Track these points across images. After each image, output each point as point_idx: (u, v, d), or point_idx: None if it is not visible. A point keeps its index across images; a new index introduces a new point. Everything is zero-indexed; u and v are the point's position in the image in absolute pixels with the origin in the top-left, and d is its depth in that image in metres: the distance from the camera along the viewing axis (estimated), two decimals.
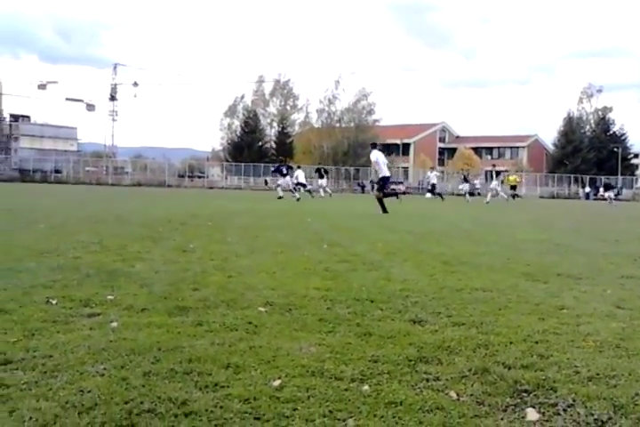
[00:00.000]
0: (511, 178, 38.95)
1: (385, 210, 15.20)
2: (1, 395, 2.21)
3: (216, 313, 3.53)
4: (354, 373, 2.55)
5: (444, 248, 7.45)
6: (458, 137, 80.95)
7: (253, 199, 24.65)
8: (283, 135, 70.73)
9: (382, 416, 2.12)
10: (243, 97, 72.52)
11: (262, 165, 59.68)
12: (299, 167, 31.63)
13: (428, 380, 2.51)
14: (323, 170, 35.06)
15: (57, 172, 61.78)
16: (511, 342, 3.08)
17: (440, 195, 34.39)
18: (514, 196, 36.38)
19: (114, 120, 73.60)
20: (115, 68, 73.38)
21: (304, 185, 29.80)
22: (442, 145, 79.40)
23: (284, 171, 27.30)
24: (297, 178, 29.27)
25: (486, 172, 39.35)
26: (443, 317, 3.63)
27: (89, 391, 2.25)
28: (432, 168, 42.20)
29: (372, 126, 67.88)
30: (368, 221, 12.52)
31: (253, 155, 65.06)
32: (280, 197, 25.02)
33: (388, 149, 69.75)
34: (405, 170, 67.57)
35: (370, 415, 2.12)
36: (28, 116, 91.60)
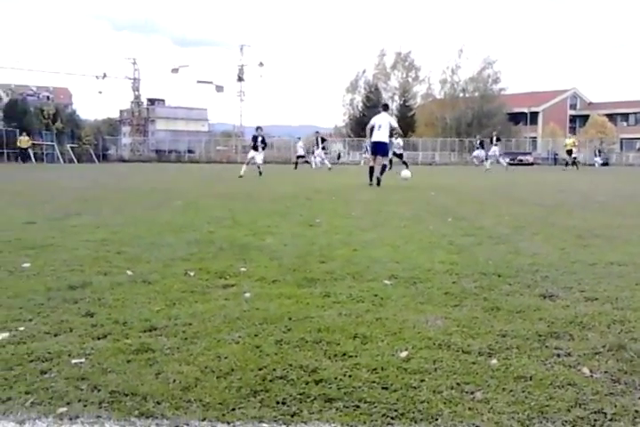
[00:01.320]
0: (568, 142, 35.37)
1: (371, 180, 13.96)
2: (148, 358, 2.40)
3: (342, 285, 3.61)
4: (481, 347, 2.53)
5: (576, 221, 7.11)
6: (590, 103, 76.07)
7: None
8: (405, 108, 69.82)
9: (511, 390, 2.09)
10: (364, 71, 72.25)
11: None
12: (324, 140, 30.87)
13: (559, 355, 2.44)
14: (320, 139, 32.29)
15: (190, 152, 64.96)
16: None
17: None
18: (573, 162, 33.58)
19: (241, 100, 75.88)
20: (241, 49, 75.36)
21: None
22: (573, 113, 74.99)
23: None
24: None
25: (621, 140, 35.82)
26: (575, 292, 3.49)
27: (225, 358, 2.39)
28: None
29: (497, 95, 65.53)
30: (495, 194, 12.17)
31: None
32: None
33: (515, 119, 67.12)
34: (534, 140, 64.62)
35: (498, 389, 2.10)
36: (162, 100, 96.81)
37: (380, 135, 14.49)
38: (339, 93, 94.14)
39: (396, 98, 71.79)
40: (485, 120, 62.37)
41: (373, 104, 69.05)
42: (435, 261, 4.42)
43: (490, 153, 30.06)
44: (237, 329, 2.74)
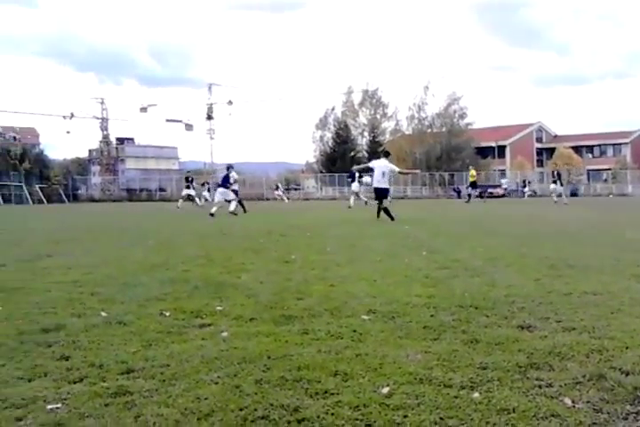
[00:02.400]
0: (472, 173, 35.63)
1: (392, 217, 13.92)
2: (126, 402, 2.35)
3: (321, 321, 3.60)
4: (463, 380, 2.53)
5: (548, 251, 7.20)
6: (556, 136, 77.88)
7: (352, 210, 24.75)
8: (374, 144, 70.69)
9: (495, 424, 2.09)
10: (333, 109, 73.25)
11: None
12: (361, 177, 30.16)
13: (540, 386, 2.45)
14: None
15: (161, 190, 64.64)
16: (627, 347, 2.95)
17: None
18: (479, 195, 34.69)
19: (212, 138, 76.11)
20: (209, 88, 75.94)
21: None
22: (539, 145, 76.64)
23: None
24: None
25: (588, 171, 36.56)
26: (552, 322, 3.52)
27: (205, 399, 2.35)
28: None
29: (465, 130, 66.72)
30: (466, 227, 12.30)
31: (346, 165, 65.33)
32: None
33: (483, 153, 68.29)
34: (502, 172, 65.70)
35: (482, 423, 2.10)
36: (132, 139, 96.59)
37: (382, 182, 14.91)
38: (309, 130, 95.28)
39: (366, 134, 72.79)
40: (454, 154, 63.32)
41: (343, 140, 69.97)
42: (412, 294, 4.43)
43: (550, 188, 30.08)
44: (216, 369, 2.70)
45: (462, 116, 67.42)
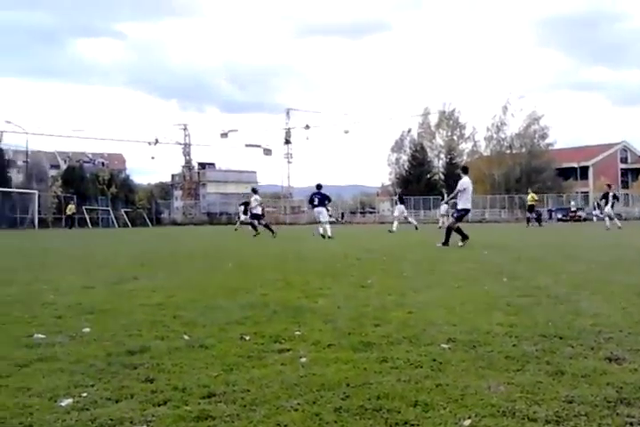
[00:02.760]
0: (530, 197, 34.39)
1: (447, 242, 13.43)
2: (208, 426, 2.40)
3: (399, 349, 3.56)
4: (548, 414, 2.44)
5: (635, 278, 6.89)
6: None
7: (424, 232, 24.52)
8: (451, 166, 69.96)
9: None
10: (409, 131, 73.20)
11: (431, 197, 59.35)
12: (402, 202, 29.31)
13: (631, 424, 2.34)
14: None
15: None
16: None
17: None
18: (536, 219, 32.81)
19: (289, 162, 77.59)
20: (287, 113, 77.69)
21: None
22: (624, 166, 73.67)
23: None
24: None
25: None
26: None
27: (285, 426, 2.37)
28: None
29: (545, 151, 65.10)
30: (547, 252, 11.93)
31: (422, 188, 64.98)
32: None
33: (565, 174, 66.34)
34: (585, 195, 63.49)
35: None
36: (213, 164, 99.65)
37: (469, 202, 14.05)
38: (384, 152, 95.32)
39: (442, 156, 72.20)
40: (534, 176, 61.81)
41: (419, 162, 69.59)
42: (493, 323, 4.33)
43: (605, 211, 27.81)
44: (295, 396, 2.72)
45: (543, 137, 65.95)
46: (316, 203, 20.20)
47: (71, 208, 42.68)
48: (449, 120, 71.78)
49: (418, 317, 4.63)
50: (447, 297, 5.67)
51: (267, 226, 21.83)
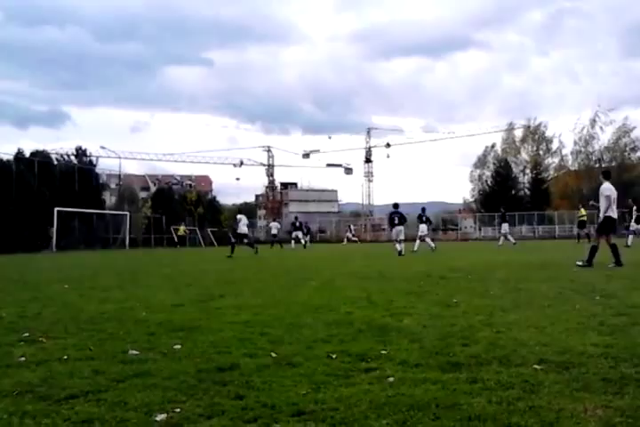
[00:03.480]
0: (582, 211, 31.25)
1: (619, 260, 11.87)
2: None
3: (489, 370, 3.48)
4: None
5: None
6: None
7: (510, 251, 23.85)
8: (537, 182, 68.06)
9: None
10: (493, 146, 71.80)
11: (516, 213, 57.80)
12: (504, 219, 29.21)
13: None
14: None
15: (321, 232, 66.64)
16: None
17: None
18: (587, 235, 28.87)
19: (369, 181, 77.77)
20: (368, 132, 78.07)
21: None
22: None
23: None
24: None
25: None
26: None
27: None
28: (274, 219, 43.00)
29: (637, 164, 62.20)
30: None
31: (506, 204, 63.35)
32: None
33: None
34: None
35: None
36: (295, 183, 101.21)
37: (613, 211, 12.62)
38: (466, 169, 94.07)
39: (527, 171, 70.30)
40: (625, 190, 59.19)
41: (503, 178, 67.98)
42: (586, 343, 4.16)
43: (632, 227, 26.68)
44: (385, 415, 2.70)
45: (634, 150, 63.11)
46: (396, 222, 21.19)
47: (184, 229, 45.48)
48: (534, 135, 69.95)
49: (507, 337, 4.50)
50: (537, 317, 5.49)
51: (250, 244, 24.13)
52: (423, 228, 25.09)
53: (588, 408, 2.72)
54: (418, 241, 24.57)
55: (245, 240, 23.99)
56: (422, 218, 25.21)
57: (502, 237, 27.23)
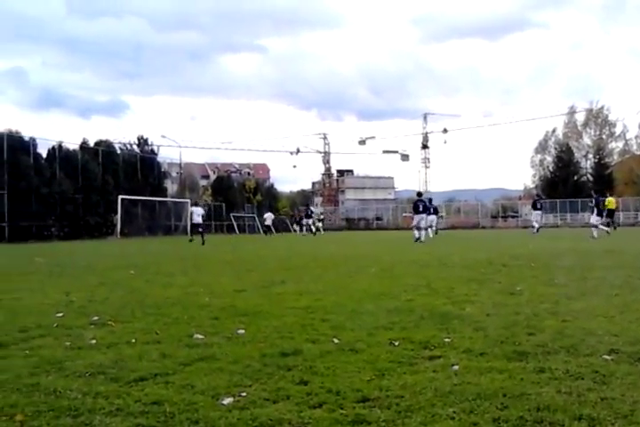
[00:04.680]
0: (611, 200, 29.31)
1: None
2: None
3: (557, 360, 3.40)
4: None
5: None
6: None
7: (573, 237, 23.22)
8: (600, 167, 65.96)
9: None
10: (554, 131, 70.03)
11: (579, 200, 56.21)
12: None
13: None
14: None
15: (378, 219, 66.46)
16: None
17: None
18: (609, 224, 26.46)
19: (426, 167, 77.02)
20: (425, 117, 77.18)
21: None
22: None
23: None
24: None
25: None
26: None
27: None
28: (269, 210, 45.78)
29: None
30: None
31: (569, 190, 61.69)
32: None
33: None
34: None
35: None
36: (351, 171, 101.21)
37: None
38: (527, 154, 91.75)
39: (590, 156, 68.20)
40: None
41: (565, 164, 66.20)
42: None
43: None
44: (451, 404, 2.67)
45: None
46: (420, 209, 22.50)
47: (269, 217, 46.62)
48: (597, 118, 67.75)
49: (574, 326, 4.39)
50: (604, 305, 5.33)
51: (202, 234, 25.00)
52: (433, 218, 26.63)
53: None
54: (430, 230, 25.65)
55: (200, 229, 26.03)
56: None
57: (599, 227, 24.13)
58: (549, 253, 13.43)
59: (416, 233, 21.98)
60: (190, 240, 25.53)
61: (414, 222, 22.70)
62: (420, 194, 24.41)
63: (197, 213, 26.24)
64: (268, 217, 44.96)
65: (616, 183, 63.81)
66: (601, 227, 21.58)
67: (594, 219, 22.04)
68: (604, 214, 25.88)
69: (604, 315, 4.84)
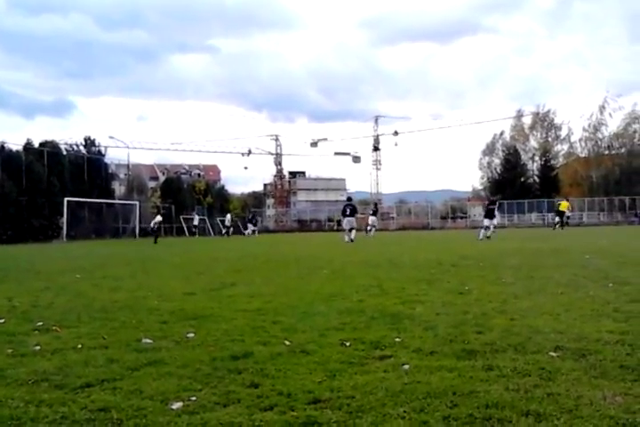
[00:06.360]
0: (564, 203, 32.95)
1: None
2: None
3: (505, 357, 3.46)
4: None
5: None
6: None
7: (520, 238, 23.76)
8: (546, 169, 67.73)
9: None
10: (502, 133, 71.53)
11: (526, 201, 57.63)
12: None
13: None
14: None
15: (330, 221, 66.56)
16: None
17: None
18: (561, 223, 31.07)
19: (377, 169, 77.59)
20: (376, 120, 77.78)
21: None
22: None
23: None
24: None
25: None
26: None
27: None
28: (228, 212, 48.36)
29: None
30: None
31: (516, 191, 63.12)
32: None
33: None
34: None
35: None
36: (303, 172, 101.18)
37: None
38: (475, 157, 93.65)
39: (537, 158, 69.94)
40: (635, 177, 58.76)
41: (512, 166, 67.70)
42: (602, 330, 4.13)
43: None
44: (401, 403, 2.68)
45: None
46: (347, 213, 23.89)
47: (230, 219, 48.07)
48: (543, 122, 69.54)
49: (521, 324, 4.48)
50: (550, 304, 5.47)
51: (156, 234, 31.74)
52: (374, 219, 31.04)
53: (607, 396, 2.70)
54: (372, 229, 30.26)
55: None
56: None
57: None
58: (498, 252, 13.70)
59: (345, 237, 23.41)
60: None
61: (344, 225, 24.02)
62: (349, 199, 26.60)
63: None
64: (227, 219, 46.25)
65: (561, 185, 65.59)
66: (484, 231, 22.32)
67: (486, 222, 22.90)
68: (555, 215, 28.13)
69: (549, 313, 4.95)
